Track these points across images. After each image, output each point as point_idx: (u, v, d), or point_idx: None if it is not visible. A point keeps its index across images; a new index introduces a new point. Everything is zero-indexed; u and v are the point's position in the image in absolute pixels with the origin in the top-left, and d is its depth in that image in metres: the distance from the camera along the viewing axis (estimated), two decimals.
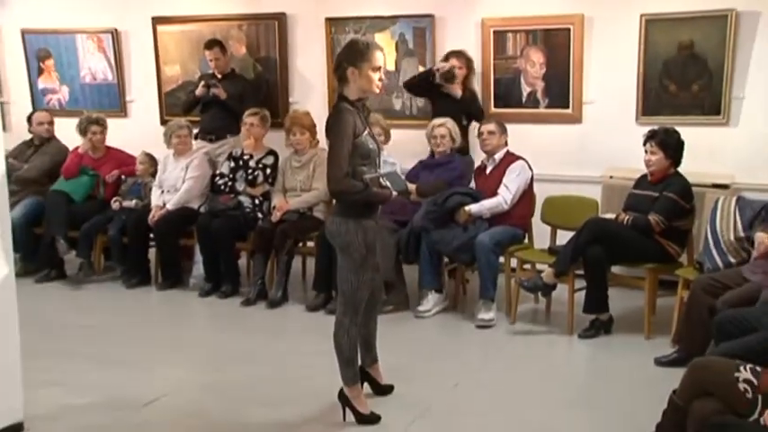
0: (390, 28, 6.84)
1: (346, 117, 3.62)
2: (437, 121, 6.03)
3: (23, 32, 8.08)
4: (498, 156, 5.73)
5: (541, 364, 4.76)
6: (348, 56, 3.66)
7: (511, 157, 5.73)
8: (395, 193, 3.78)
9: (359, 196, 3.65)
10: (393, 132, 6.22)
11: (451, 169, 5.91)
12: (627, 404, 4.07)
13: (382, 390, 4.15)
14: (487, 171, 5.79)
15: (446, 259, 5.78)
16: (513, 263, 5.69)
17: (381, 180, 3.72)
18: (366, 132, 3.72)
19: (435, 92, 6.26)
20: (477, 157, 5.96)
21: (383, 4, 6.85)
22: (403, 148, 6.26)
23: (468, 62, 6.27)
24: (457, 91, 6.17)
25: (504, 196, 5.59)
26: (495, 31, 6.53)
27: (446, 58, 6.24)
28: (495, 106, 6.61)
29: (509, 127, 5.84)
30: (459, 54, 6.24)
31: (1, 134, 3.67)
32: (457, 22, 6.67)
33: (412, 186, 4.12)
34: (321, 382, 4.24)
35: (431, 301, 5.63)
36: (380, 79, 3.70)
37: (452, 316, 5.65)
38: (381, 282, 4.23)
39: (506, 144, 5.79)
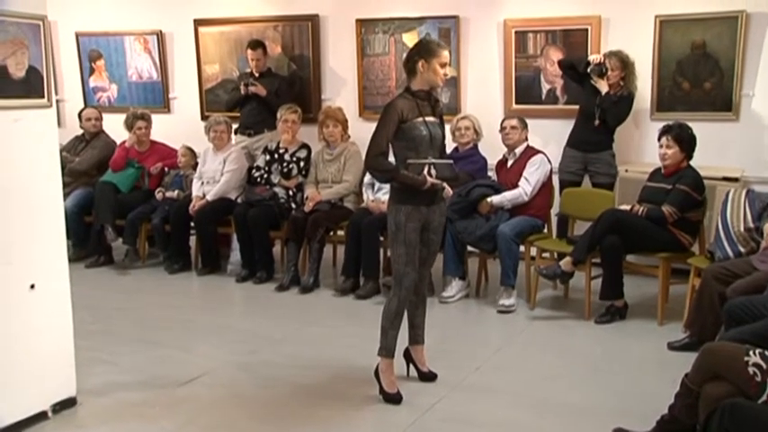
0: (417, 28, 6.81)
1: (395, 103, 3.77)
2: (461, 114, 5.98)
3: (77, 35, 8.15)
4: (519, 150, 5.70)
5: (559, 347, 4.73)
6: (421, 51, 3.80)
7: (531, 151, 5.69)
8: (434, 180, 3.71)
9: (387, 176, 3.77)
10: None
11: (474, 162, 5.88)
12: (641, 386, 4.03)
13: (424, 376, 4.12)
14: (508, 164, 5.76)
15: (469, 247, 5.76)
16: (533, 251, 5.65)
17: (427, 167, 3.70)
18: (419, 120, 3.75)
19: (585, 82, 5.96)
20: (499, 150, 5.92)
21: (410, 6, 6.82)
22: None
23: (623, 64, 5.82)
24: (602, 87, 5.79)
25: (525, 188, 5.55)
26: (516, 32, 6.48)
27: (604, 58, 5.87)
28: (517, 102, 6.56)
29: (529, 122, 5.80)
30: (614, 55, 5.84)
31: (56, 130, 3.71)
32: (480, 23, 6.63)
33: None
34: (351, 361, 4.25)
35: (454, 287, 5.62)
36: (445, 74, 3.82)
37: (475, 302, 5.64)
38: (427, 273, 4.15)
39: (527, 139, 5.75)
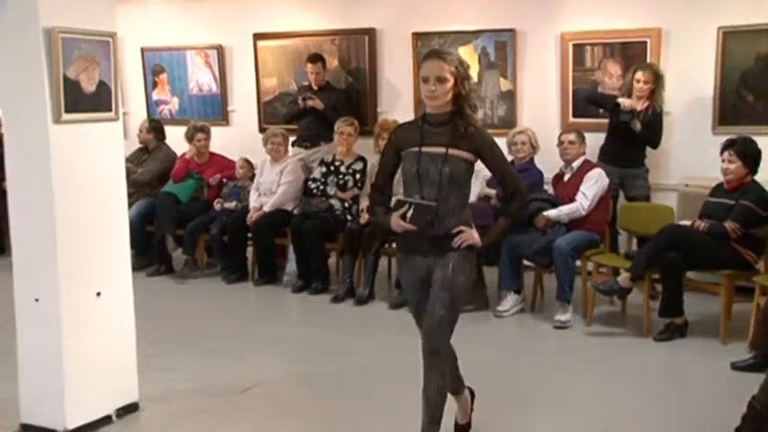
0: (473, 42, 6.82)
1: (395, 129, 3.35)
2: (517, 128, 5.96)
3: (142, 50, 8.37)
4: (576, 164, 5.65)
5: (617, 365, 4.66)
6: None
7: (588, 165, 5.64)
8: (405, 225, 3.11)
9: (369, 213, 3.46)
10: None
11: (530, 176, 5.84)
12: (703, 407, 3.95)
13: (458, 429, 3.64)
14: (565, 178, 5.71)
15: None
16: (590, 266, 5.58)
17: (407, 207, 3.13)
18: (412, 150, 3.14)
19: (614, 115, 5.83)
20: (555, 164, 5.87)
21: (467, 19, 6.83)
22: None
23: (656, 77, 5.74)
24: (636, 126, 5.67)
25: (582, 203, 5.49)
26: (574, 45, 6.43)
27: (634, 71, 5.80)
28: (574, 116, 6.51)
29: (587, 136, 5.75)
30: (648, 68, 5.79)
31: (122, 142, 3.82)
32: (537, 36, 6.60)
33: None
34: (405, 374, 4.24)
35: (509, 301, 5.58)
36: (431, 91, 3.08)
37: (530, 316, 5.59)
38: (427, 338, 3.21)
39: (584, 153, 5.70)
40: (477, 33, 6.79)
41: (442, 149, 3.10)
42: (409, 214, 3.12)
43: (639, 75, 5.76)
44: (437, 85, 3.06)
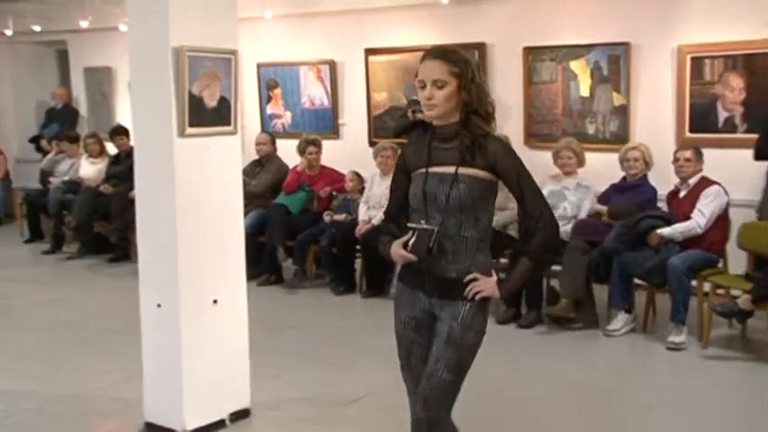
0: (586, 56, 6.69)
1: (404, 148, 2.83)
2: (630, 144, 5.81)
3: (258, 65, 8.64)
4: (693, 181, 5.46)
5: (736, 391, 4.46)
6: None
7: (705, 183, 5.44)
8: (404, 254, 2.60)
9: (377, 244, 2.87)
10: (587, 156, 6.06)
11: (643, 192, 5.70)
12: None
13: None
14: (681, 195, 5.53)
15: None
16: (706, 287, 5.36)
17: (411, 234, 2.61)
18: (420, 171, 2.62)
19: None
20: (670, 180, 5.69)
21: (579, 34, 6.72)
22: (595, 172, 6.09)
23: None
24: None
25: (698, 220, 5.30)
26: (692, 57, 6.22)
27: None
28: (690, 131, 6.28)
29: (705, 152, 5.54)
30: None
31: (240, 155, 3.97)
32: (653, 50, 6.42)
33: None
34: (510, 390, 4.21)
35: (620, 320, 5.44)
36: (428, 99, 2.54)
37: (641, 336, 5.42)
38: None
39: (701, 170, 5.50)
40: (589, 47, 6.67)
41: (451, 169, 2.56)
42: (411, 242, 2.59)
43: None
44: (434, 90, 2.53)
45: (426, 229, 2.55)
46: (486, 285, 2.58)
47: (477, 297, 2.57)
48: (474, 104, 2.55)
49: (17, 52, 10.85)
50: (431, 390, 2.58)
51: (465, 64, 2.55)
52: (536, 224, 2.57)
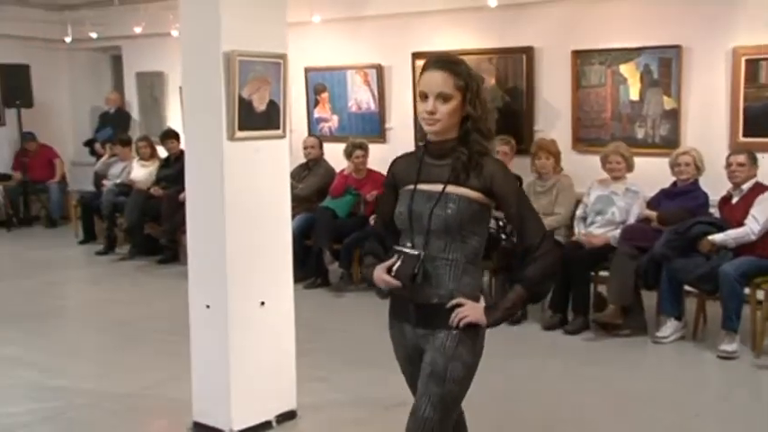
0: (635, 59, 6.60)
1: (394, 161, 2.67)
2: (681, 148, 5.72)
3: (306, 70, 8.71)
4: (746, 186, 5.35)
5: None
6: None
7: (760, 188, 5.32)
8: (388, 279, 2.45)
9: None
10: (636, 161, 5.98)
11: (694, 198, 5.60)
12: None
13: None
14: (733, 201, 5.42)
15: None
16: (760, 295, 5.24)
17: (396, 257, 2.45)
18: (408, 188, 2.49)
19: None
20: (722, 185, 5.58)
21: (629, 36, 6.62)
22: (644, 177, 6.00)
23: None
24: None
25: (752, 227, 5.18)
26: (747, 60, 6.09)
27: None
28: (744, 135, 6.15)
29: (760, 156, 5.43)
30: None
31: (288, 158, 4.01)
32: (706, 52, 6.30)
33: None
34: (557, 396, 4.16)
35: (669, 327, 5.34)
36: (430, 113, 2.40)
37: (691, 344, 5.32)
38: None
39: (755, 175, 5.38)
40: (639, 51, 6.57)
41: (440, 187, 2.42)
42: (396, 267, 2.42)
43: None
44: (438, 104, 2.39)
45: (411, 255, 2.41)
46: (473, 311, 2.42)
47: (461, 323, 2.41)
48: (479, 121, 2.43)
49: (75, 59, 11.14)
50: (414, 429, 2.44)
51: (470, 77, 2.43)
52: (536, 251, 2.43)
